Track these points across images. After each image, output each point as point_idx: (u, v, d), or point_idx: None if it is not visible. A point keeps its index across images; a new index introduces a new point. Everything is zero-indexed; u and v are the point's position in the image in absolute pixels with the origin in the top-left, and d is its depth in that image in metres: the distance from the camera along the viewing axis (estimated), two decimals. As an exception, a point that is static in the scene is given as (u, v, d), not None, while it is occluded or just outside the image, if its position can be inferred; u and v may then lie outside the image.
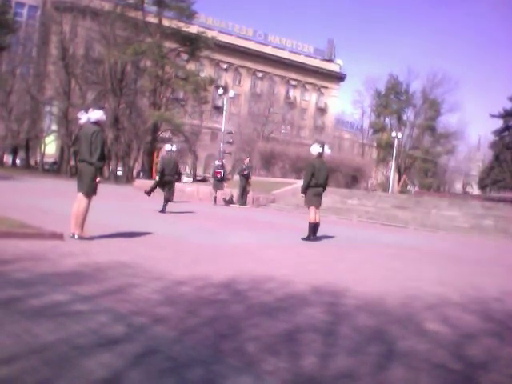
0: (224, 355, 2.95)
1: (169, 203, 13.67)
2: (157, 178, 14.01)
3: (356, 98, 72.31)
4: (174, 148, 14.70)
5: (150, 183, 29.96)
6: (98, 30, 46.26)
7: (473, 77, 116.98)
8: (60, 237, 6.90)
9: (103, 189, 8.43)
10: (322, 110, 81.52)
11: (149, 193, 14.28)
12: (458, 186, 77.40)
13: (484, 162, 66.75)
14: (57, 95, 47.26)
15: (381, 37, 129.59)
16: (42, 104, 49.57)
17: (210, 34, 49.17)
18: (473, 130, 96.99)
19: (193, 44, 46.27)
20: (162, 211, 13.36)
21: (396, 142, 51.57)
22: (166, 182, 13.79)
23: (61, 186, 24.70)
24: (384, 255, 8.71)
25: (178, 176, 14.77)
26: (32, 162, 56.98)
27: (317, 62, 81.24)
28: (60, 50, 46.21)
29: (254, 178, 23.15)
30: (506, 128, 52.98)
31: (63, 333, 3.08)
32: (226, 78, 74.24)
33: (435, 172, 67.43)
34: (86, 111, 7.48)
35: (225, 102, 41.64)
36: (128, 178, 43.41)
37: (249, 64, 75.66)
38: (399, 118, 65.71)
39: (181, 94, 51.18)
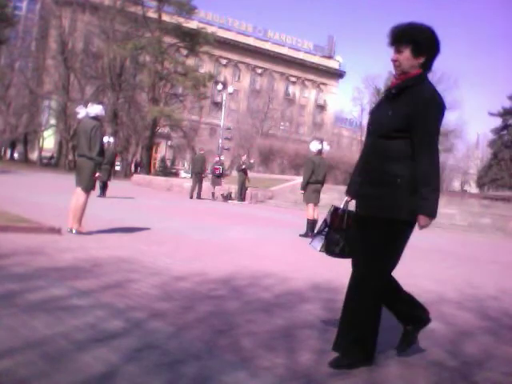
0: (221, 351, 2.96)
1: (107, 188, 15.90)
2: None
3: (355, 95, 71.97)
4: (112, 140, 17.39)
5: (148, 178, 30.02)
6: (97, 25, 46.09)
7: (472, 75, 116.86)
8: (58, 231, 6.90)
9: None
10: (321, 107, 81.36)
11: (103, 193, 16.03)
12: (456, 184, 77.46)
13: (482, 160, 66.76)
14: (56, 89, 47.09)
15: (381, 34, 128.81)
16: (40, 98, 49.37)
17: (209, 29, 49.01)
18: (471, 128, 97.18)
19: (192, 39, 46.12)
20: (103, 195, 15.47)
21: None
22: (103, 169, 15.61)
23: (59, 180, 24.67)
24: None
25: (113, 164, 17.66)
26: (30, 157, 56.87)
27: (316, 59, 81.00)
28: (59, 44, 46.04)
29: (251, 175, 23.22)
30: (505, 126, 52.95)
31: (60, 327, 3.08)
32: (226, 73, 74.02)
33: (434, 170, 67.29)
34: (85, 106, 7.48)
35: (224, 98, 41.59)
36: (126, 173, 43.37)
37: (248, 60, 75.44)
38: (398, 116, 65.59)
39: (180, 90, 51.04)
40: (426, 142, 2.77)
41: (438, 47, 2.92)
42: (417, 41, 2.84)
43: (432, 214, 2.78)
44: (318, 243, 3.21)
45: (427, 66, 2.93)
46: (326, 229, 3.20)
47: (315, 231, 3.27)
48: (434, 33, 2.90)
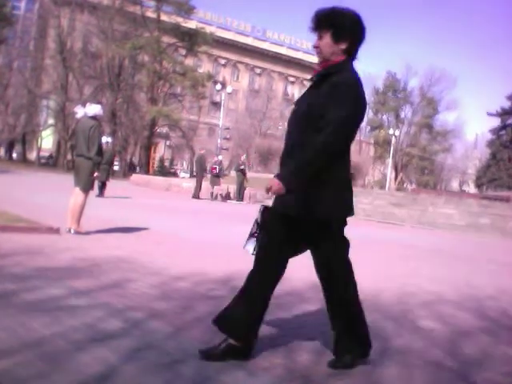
0: (219, 351, 2.95)
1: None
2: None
3: (354, 95, 71.91)
4: (110, 139, 18.00)
5: (147, 178, 29.99)
6: (96, 24, 46.05)
7: (471, 75, 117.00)
8: (56, 231, 6.89)
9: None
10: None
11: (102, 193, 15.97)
12: (455, 184, 77.51)
13: (481, 160, 66.79)
14: (54, 89, 47.01)
15: (379, 34, 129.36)
16: (39, 98, 49.27)
17: (208, 29, 49.02)
18: (470, 128, 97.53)
19: (191, 39, 46.14)
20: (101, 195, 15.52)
21: (393, 139, 51.66)
22: (102, 169, 15.81)
23: (57, 180, 24.64)
24: (380, 252, 8.72)
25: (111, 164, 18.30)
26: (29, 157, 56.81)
27: (315, 59, 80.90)
28: (58, 43, 45.98)
29: (250, 175, 23.27)
30: (503, 127, 52.96)
31: (59, 327, 3.07)
32: (224, 73, 74.00)
33: (432, 170, 67.53)
34: (84, 105, 7.47)
35: (222, 98, 41.59)
36: (125, 173, 43.34)
37: (247, 60, 75.44)
38: (397, 116, 65.74)
39: (178, 89, 51.01)
40: (334, 125, 2.52)
41: (362, 32, 2.73)
42: (337, 25, 2.68)
43: (284, 178, 2.55)
44: (251, 246, 2.97)
45: (351, 53, 2.76)
46: (258, 230, 2.99)
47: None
48: (358, 17, 2.72)
